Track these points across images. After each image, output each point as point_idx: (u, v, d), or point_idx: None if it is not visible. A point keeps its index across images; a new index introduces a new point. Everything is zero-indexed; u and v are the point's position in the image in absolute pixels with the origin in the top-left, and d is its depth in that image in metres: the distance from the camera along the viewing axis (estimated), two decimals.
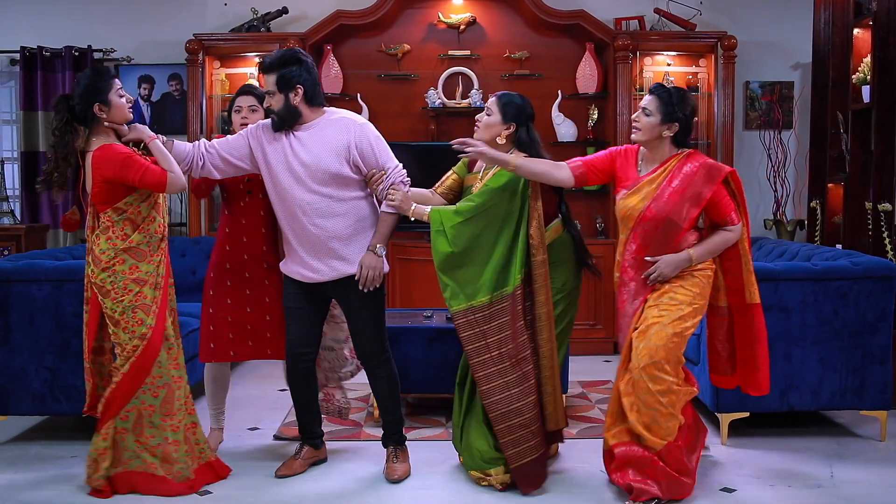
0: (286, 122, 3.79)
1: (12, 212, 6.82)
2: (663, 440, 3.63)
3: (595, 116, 6.84)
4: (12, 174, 7.15)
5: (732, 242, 3.77)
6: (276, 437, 4.55)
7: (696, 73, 6.85)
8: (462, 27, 6.88)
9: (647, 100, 3.72)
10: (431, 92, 6.79)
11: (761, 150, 6.99)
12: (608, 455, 3.80)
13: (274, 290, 4.14)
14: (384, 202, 3.84)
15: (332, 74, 6.80)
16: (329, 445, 4.31)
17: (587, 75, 6.77)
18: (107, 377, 3.84)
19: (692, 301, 3.66)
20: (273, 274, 4.14)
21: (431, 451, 4.31)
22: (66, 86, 6.85)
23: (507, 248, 3.79)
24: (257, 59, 6.85)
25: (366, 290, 3.81)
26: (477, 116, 4.00)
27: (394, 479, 3.96)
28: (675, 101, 3.68)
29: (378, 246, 3.83)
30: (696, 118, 3.78)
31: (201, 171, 3.91)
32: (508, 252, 3.79)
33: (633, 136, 3.76)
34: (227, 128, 4.23)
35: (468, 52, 6.90)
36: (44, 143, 6.90)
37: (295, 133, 3.81)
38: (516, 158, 3.78)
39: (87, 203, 3.79)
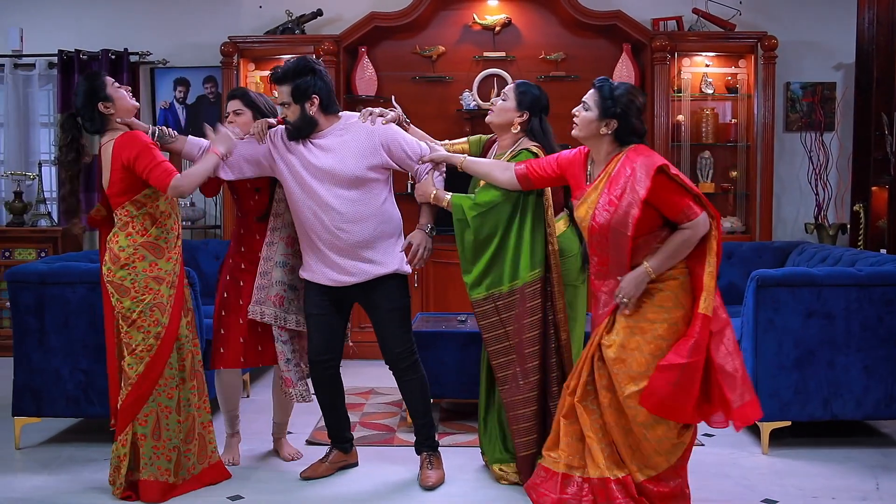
0: (302, 132, 3.79)
1: (49, 214, 6.87)
2: (640, 472, 3.43)
3: None
4: (50, 177, 7.20)
5: (697, 240, 3.33)
6: (309, 442, 4.51)
7: (736, 73, 6.73)
8: (497, 28, 6.83)
9: (588, 94, 3.50)
10: (466, 94, 6.74)
11: (802, 152, 6.85)
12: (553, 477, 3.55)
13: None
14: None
15: (366, 76, 6.78)
16: (362, 451, 4.27)
17: (624, 77, 6.67)
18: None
19: (665, 317, 3.35)
20: None
21: (465, 458, 4.25)
22: None
23: (522, 238, 3.76)
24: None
25: (416, 266, 3.85)
26: (492, 100, 3.96)
27: (428, 486, 3.90)
28: (614, 96, 3.40)
29: (428, 225, 3.88)
30: (642, 117, 3.49)
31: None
32: (525, 242, 3.75)
33: (572, 131, 3.56)
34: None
35: (503, 54, 6.84)
36: None
37: (313, 141, 3.80)
38: (465, 160, 3.84)
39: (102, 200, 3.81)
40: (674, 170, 3.36)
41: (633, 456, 3.41)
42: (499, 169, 3.76)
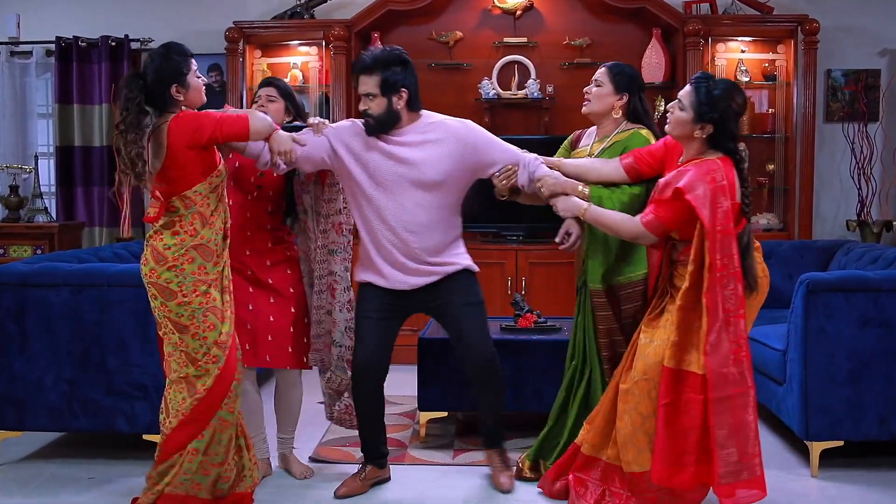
0: (385, 127, 3.55)
1: (46, 209, 6.55)
2: (629, 466, 3.28)
3: (662, 108, 6.34)
4: (48, 170, 6.88)
5: (624, 232, 3.36)
6: (313, 459, 4.14)
7: (774, 60, 6.31)
8: (518, 13, 6.46)
9: (683, 91, 3.25)
10: (485, 82, 6.37)
11: (844, 144, 6.42)
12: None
13: (277, 292, 3.80)
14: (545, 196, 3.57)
15: None
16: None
17: (654, 63, 6.30)
18: None
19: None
20: (277, 273, 3.81)
21: (483, 478, 3.89)
22: (101, 78, 6.58)
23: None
24: (301, 48, 6.51)
25: (562, 248, 3.56)
26: (585, 89, 3.73)
27: (507, 490, 3.70)
28: (712, 100, 3.16)
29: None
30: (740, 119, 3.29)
31: (271, 166, 3.63)
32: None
33: (665, 127, 3.34)
34: None
35: (525, 40, 6.47)
36: (79, 137, 6.66)
37: (392, 138, 3.55)
38: (562, 162, 3.64)
39: (151, 191, 3.44)
40: (692, 196, 3.09)
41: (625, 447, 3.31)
42: (602, 163, 3.57)
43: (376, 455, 3.82)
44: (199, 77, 3.47)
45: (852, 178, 6.37)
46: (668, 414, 3.15)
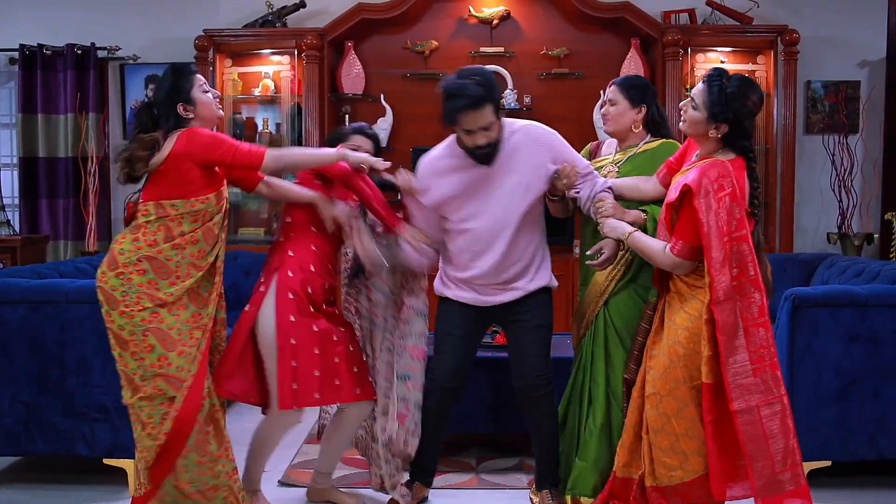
0: (497, 149, 3.40)
1: (8, 222, 6.35)
2: (658, 481, 3.15)
3: None
4: (11, 181, 6.68)
5: (658, 261, 3.16)
6: (282, 483, 3.96)
7: (754, 71, 6.25)
8: (495, 22, 6.36)
9: (696, 89, 3.13)
10: None
11: (824, 156, 6.36)
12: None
13: (344, 328, 3.55)
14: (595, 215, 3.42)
15: (353, 73, 6.29)
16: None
17: (632, 74, 6.19)
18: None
19: (688, 325, 3.07)
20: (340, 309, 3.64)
21: (460, 501, 3.76)
22: (67, 87, 6.40)
23: None
24: (273, 57, 6.36)
25: (590, 264, 3.43)
26: (602, 110, 3.67)
27: None
28: (726, 99, 3.02)
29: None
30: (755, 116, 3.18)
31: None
32: None
33: (680, 124, 3.22)
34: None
35: (501, 49, 6.37)
36: (44, 148, 6.48)
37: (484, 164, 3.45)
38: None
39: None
40: (703, 201, 2.95)
41: (646, 459, 3.21)
42: (643, 181, 3.48)
43: (428, 473, 3.75)
44: (206, 91, 3.33)
45: (833, 190, 6.30)
46: (715, 430, 3.01)
